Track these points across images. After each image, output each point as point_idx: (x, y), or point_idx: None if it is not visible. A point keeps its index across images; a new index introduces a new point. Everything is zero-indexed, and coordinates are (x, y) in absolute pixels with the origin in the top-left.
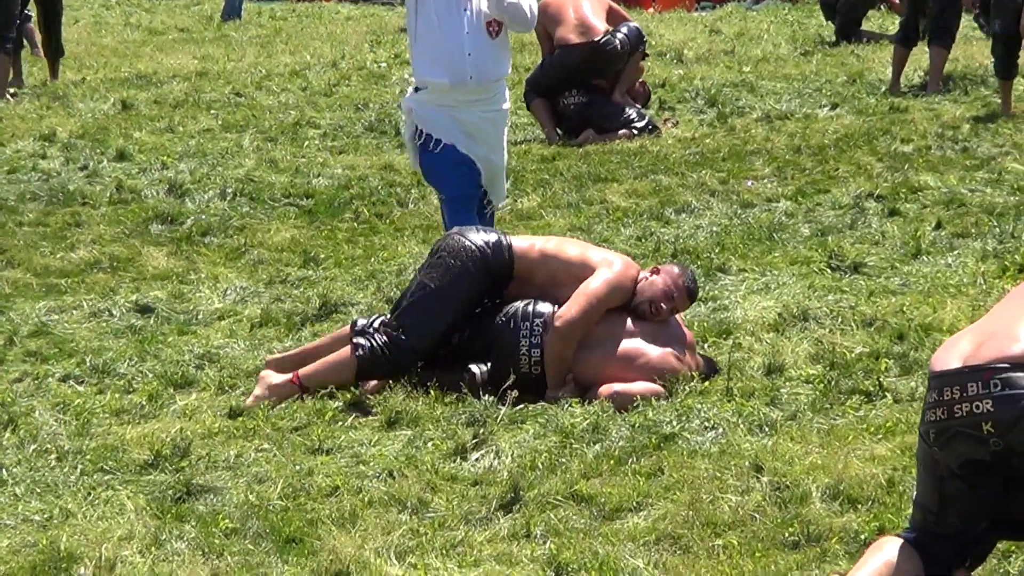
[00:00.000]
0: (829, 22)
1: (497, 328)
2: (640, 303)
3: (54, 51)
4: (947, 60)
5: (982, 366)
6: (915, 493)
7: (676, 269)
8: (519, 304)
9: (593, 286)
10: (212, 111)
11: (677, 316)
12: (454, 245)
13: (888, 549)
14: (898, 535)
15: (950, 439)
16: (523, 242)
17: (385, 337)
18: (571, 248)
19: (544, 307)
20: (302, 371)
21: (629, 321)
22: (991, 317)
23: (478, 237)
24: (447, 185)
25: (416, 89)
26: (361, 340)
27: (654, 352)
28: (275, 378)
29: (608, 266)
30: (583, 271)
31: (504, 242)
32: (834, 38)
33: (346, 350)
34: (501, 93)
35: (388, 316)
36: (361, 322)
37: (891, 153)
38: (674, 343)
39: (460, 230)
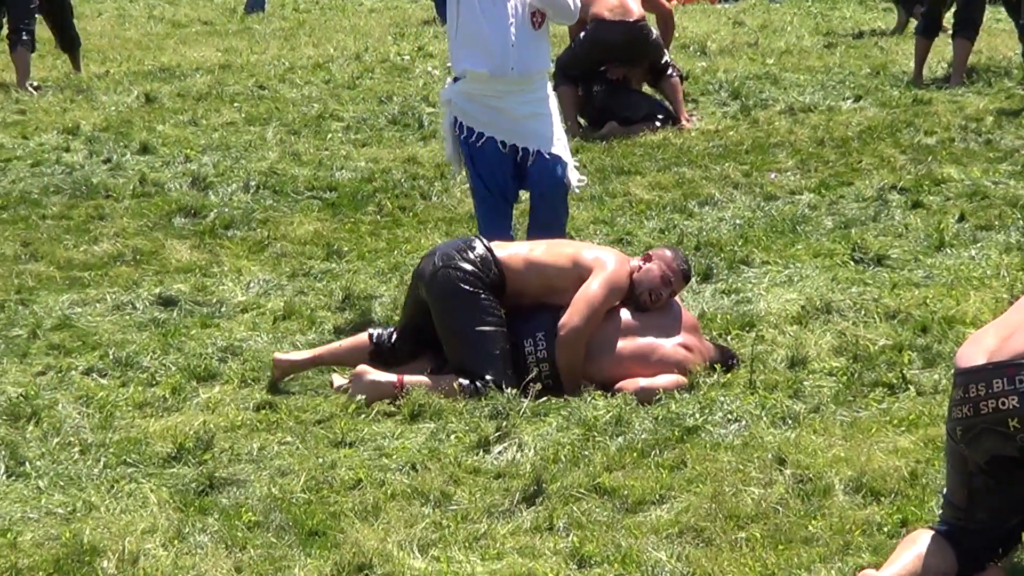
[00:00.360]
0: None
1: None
2: (640, 293)
3: (69, 43)
4: (971, 52)
5: (1007, 362)
6: (944, 490)
7: (668, 253)
8: (518, 320)
9: (591, 291)
10: (235, 104)
11: (678, 300)
12: (451, 283)
13: (921, 542)
14: (931, 527)
15: (977, 436)
16: (507, 252)
17: (478, 379)
18: (561, 253)
19: (542, 319)
20: (407, 378)
21: (633, 317)
22: (1016, 310)
23: (465, 263)
24: (478, 179)
25: (455, 80)
26: (464, 379)
27: (667, 346)
28: (377, 375)
29: (603, 267)
30: (579, 273)
31: (490, 258)
32: (858, 30)
33: (453, 377)
34: (542, 84)
35: (400, 329)
36: (375, 333)
37: (914, 145)
38: (682, 330)
39: (445, 261)
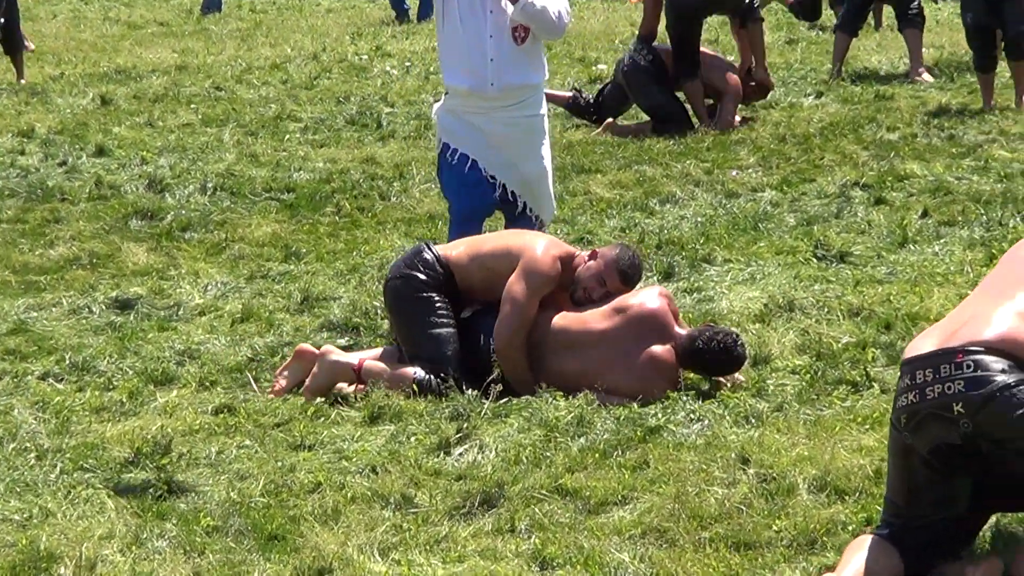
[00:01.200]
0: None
1: (469, 347)
2: (574, 290)
3: (16, 47)
4: (922, 40)
5: (955, 348)
6: (886, 490)
7: (614, 252)
8: (479, 319)
9: (512, 291)
10: (192, 105)
11: (662, 296)
12: (397, 291)
13: (865, 547)
14: (874, 532)
15: (921, 422)
16: (454, 250)
17: (431, 373)
18: (498, 242)
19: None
20: (366, 364)
21: (603, 320)
22: (964, 306)
23: (411, 270)
24: (455, 198)
25: (446, 94)
26: (420, 371)
27: (630, 375)
28: (339, 356)
29: (528, 254)
30: (510, 261)
31: (433, 259)
32: (819, 26)
33: (408, 371)
34: (531, 100)
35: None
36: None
37: (877, 141)
38: (652, 335)
39: (393, 273)
